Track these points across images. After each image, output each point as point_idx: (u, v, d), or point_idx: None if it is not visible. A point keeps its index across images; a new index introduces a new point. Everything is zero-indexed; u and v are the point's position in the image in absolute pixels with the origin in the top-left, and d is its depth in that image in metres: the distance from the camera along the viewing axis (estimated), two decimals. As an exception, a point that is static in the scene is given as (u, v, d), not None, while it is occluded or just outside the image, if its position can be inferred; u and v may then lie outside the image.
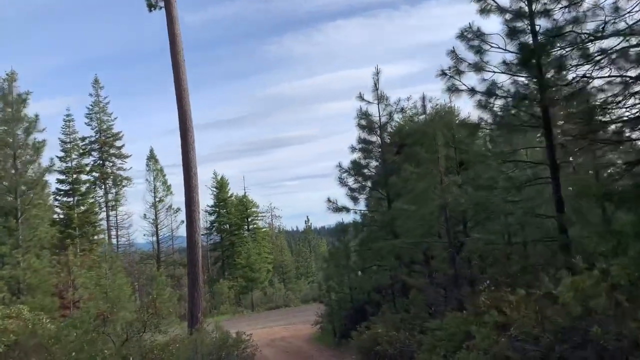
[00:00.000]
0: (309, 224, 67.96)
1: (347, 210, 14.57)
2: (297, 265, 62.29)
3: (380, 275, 14.12)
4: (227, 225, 55.10)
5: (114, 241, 54.47)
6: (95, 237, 45.39)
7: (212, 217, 55.68)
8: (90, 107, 54.47)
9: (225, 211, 55.13)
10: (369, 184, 14.28)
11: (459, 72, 10.01)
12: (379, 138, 14.27)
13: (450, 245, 10.55)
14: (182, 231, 55.01)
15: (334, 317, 19.20)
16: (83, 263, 37.54)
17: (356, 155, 14.50)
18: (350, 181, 14.61)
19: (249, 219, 55.62)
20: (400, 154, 13.84)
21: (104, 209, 53.79)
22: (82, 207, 45.37)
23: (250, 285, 47.91)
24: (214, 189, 55.76)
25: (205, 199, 58.76)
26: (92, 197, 53.28)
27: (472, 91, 9.90)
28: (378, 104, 14.46)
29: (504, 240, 10.45)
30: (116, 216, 55.05)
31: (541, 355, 6.55)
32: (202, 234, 55.62)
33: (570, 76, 9.40)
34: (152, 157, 54.12)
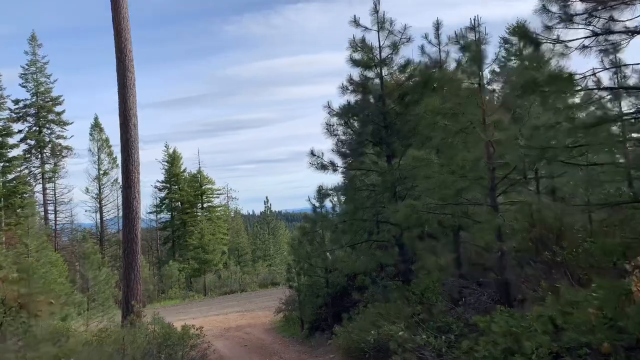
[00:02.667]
0: (268, 204, 64.13)
1: (335, 168, 11.14)
2: (254, 248, 58.62)
3: (369, 255, 10.81)
4: (179, 203, 50.71)
5: (51, 217, 49.16)
6: (25, 210, 39.98)
7: (163, 194, 51.12)
8: (26, 66, 48.46)
9: (177, 187, 50.69)
10: (367, 135, 10.83)
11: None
12: (378, 77, 10.84)
13: (494, 208, 7.47)
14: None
15: (305, 305, 15.87)
16: (9, 239, 32.73)
17: (348, 98, 11.06)
18: (340, 131, 11.17)
19: (204, 197, 51.35)
20: (403, 99, 10.54)
21: (40, 180, 48.35)
22: (9, 176, 39.89)
23: (202, 268, 44.01)
24: (165, 164, 51.15)
25: (156, 174, 54.11)
26: (26, 167, 47.91)
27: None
28: (378, 31, 11.02)
29: (582, 201, 7.45)
30: (54, 189, 49.52)
31: None
32: (151, 212, 51.08)
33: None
34: (96, 126, 49.00)
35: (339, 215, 11.09)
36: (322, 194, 12.12)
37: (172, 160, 51.05)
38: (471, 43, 7.65)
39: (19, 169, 41.51)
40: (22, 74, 48.10)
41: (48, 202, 49.08)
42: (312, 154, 11.15)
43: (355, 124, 11.01)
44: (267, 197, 70.40)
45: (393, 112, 10.62)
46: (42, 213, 48.00)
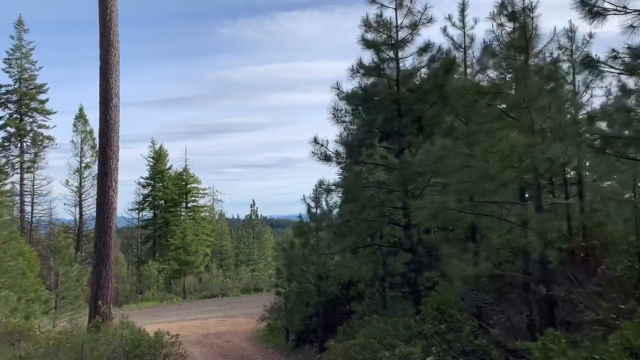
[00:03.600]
0: (255, 208, 62.44)
1: (340, 160, 9.67)
2: (237, 252, 56.91)
3: (373, 262, 9.39)
4: (163, 201, 48.92)
5: (27, 209, 47.10)
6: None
7: (146, 191, 49.32)
8: (11, 51, 46.59)
9: (162, 185, 48.94)
10: (377, 124, 9.42)
11: None
12: (394, 60, 9.48)
13: (538, 208, 6.17)
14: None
15: (293, 313, 14.45)
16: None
17: (358, 81, 9.66)
18: (347, 119, 9.78)
19: (188, 195, 49.63)
20: (422, 85, 9.23)
21: (18, 170, 46.34)
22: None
23: (183, 269, 42.28)
24: (151, 160, 49.41)
25: (140, 170, 52.42)
26: (4, 156, 45.93)
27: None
28: (396, 9, 9.69)
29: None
30: (32, 180, 47.48)
31: None
32: (133, 209, 49.22)
33: None
34: (81, 117, 47.12)
35: (342, 215, 9.74)
36: (322, 189, 10.75)
37: (158, 156, 49.35)
38: (520, 12, 6.45)
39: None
40: (5, 59, 46.27)
41: (25, 192, 47.05)
42: (316, 141, 9.77)
43: (364, 112, 9.68)
44: (253, 200, 68.71)
45: (410, 99, 9.31)
46: (19, 204, 46.00)
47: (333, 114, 9.77)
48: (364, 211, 9.16)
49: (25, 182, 47.06)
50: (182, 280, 41.77)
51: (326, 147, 9.82)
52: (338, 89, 9.67)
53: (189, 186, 49.61)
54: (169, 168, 50.06)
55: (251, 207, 62.05)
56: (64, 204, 46.40)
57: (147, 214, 50.56)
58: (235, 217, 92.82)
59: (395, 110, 9.52)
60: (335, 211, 12.84)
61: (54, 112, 48.16)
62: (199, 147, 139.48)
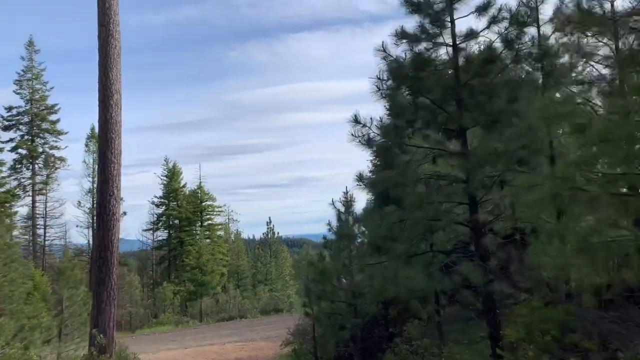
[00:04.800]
0: (271, 225, 60.54)
1: (387, 143, 7.63)
2: (254, 272, 54.93)
3: (427, 273, 7.26)
4: (177, 220, 47.33)
5: (39, 232, 45.89)
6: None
7: (160, 210, 47.82)
8: (22, 72, 45.90)
9: (176, 204, 47.42)
10: (437, 98, 7.42)
11: None
12: (449, 22, 7.55)
13: None
14: (126, 225, 47.06)
15: (326, 338, 12.45)
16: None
17: (403, 48, 7.70)
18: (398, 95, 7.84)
19: (203, 213, 47.99)
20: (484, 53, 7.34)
21: (30, 193, 45.24)
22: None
23: (199, 291, 40.45)
24: (164, 178, 48.01)
25: (154, 189, 51.17)
26: (15, 179, 44.92)
27: None
28: None
29: None
30: (45, 202, 46.35)
31: None
32: (147, 229, 47.68)
33: None
34: (92, 137, 45.94)
35: (386, 215, 7.77)
36: (364, 183, 8.75)
37: (172, 175, 47.94)
38: None
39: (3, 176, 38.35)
40: (17, 80, 45.62)
41: (38, 215, 45.90)
42: (357, 121, 7.84)
43: (413, 84, 7.76)
44: (269, 218, 66.78)
45: (478, 61, 7.37)
46: (30, 227, 44.86)
47: (377, 86, 7.84)
48: (418, 210, 7.24)
49: (37, 204, 45.96)
50: (199, 302, 39.94)
51: (369, 127, 7.88)
52: (384, 51, 7.68)
53: (203, 204, 48.04)
54: (184, 186, 48.61)
55: (267, 224, 60.21)
56: (77, 226, 45.10)
57: (162, 234, 49.02)
58: (251, 237, 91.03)
59: (454, 80, 7.61)
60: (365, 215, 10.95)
61: (66, 133, 47.16)
62: (213, 169, 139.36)
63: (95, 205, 45.37)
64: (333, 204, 11.55)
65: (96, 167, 48.11)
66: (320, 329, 12.52)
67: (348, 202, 11.46)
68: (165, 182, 47.81)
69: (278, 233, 62.56)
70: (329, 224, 11.65)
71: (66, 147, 46.87)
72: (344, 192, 11.47)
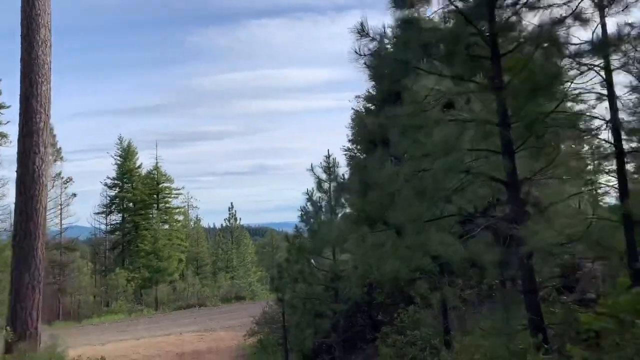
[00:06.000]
0: (233, 211, 57.93)
1: (404, 65, 5.64)
2: (214, 259, 52.47)
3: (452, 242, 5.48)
4: (132, 203, 44.37)
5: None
6: None
7: (113, 192, 44.69)
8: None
9: (131, 185, 44.42)
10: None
11: None
12: None
13: None
14: (77, 210, 43.34)
15: (301, 327, 10.58)
16: None
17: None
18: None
19: (160, 196, 45.15)
20: None
21: (-34, 171, 41.35)
22: None
23: (155, 278, 37.92)
24: (118, 158, 44.85)
25: (107, 170, 47.92)
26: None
27: None
28: None
29: None
30: (-17, 182, 42.39)
31: None
32: (98, 212, 44.44)
33: None
34: (38, 112, 42.25)
35: (387, 178, 5.89)
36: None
37: (126, 154, 44.83)
38: None
39: None
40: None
41: (-25, 196, 42.01)
42: (362, 32, 5.71)
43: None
44: (231, 204, 64.20)
45: None
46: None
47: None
48: (448, 156, 5.44)
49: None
50: (154, 289, 37.43)
51: (379, 43, 5.94)
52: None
53: (160, 186, 45.21)
54: (139, 167, 45.59)
55: (229, 210, 57.57)
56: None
57: (116, 218, 45.92)
58: (212, 225, 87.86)
59: None
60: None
61: (8, 107, 43.17)
62: (172, 156, 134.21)
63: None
64: (312, 169, 9.69)
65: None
66: (295, 316, 10.64)
67: (330, 168, 9.62)
68: (119, 162, 44.69)
69: (240, 219, 60.13)
70: (301, 208, 9.70)
71: (8, 122, 42.86)
72: (326, 156, 9.63)
